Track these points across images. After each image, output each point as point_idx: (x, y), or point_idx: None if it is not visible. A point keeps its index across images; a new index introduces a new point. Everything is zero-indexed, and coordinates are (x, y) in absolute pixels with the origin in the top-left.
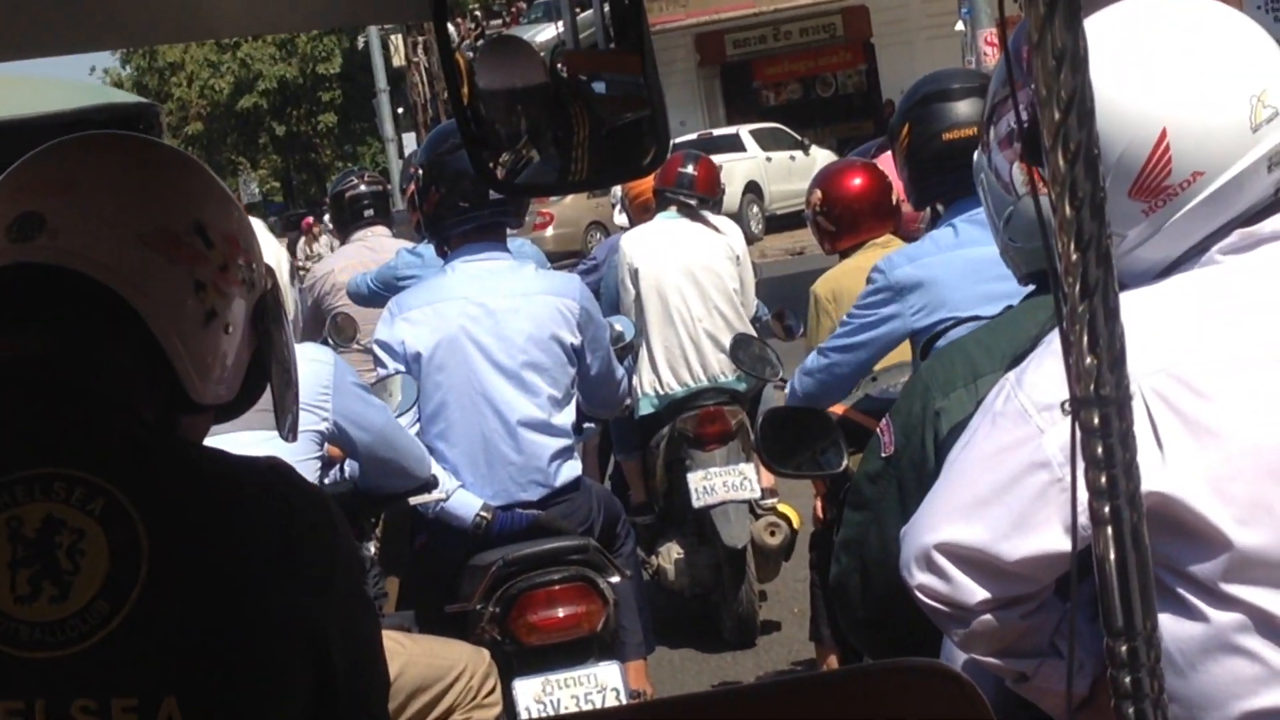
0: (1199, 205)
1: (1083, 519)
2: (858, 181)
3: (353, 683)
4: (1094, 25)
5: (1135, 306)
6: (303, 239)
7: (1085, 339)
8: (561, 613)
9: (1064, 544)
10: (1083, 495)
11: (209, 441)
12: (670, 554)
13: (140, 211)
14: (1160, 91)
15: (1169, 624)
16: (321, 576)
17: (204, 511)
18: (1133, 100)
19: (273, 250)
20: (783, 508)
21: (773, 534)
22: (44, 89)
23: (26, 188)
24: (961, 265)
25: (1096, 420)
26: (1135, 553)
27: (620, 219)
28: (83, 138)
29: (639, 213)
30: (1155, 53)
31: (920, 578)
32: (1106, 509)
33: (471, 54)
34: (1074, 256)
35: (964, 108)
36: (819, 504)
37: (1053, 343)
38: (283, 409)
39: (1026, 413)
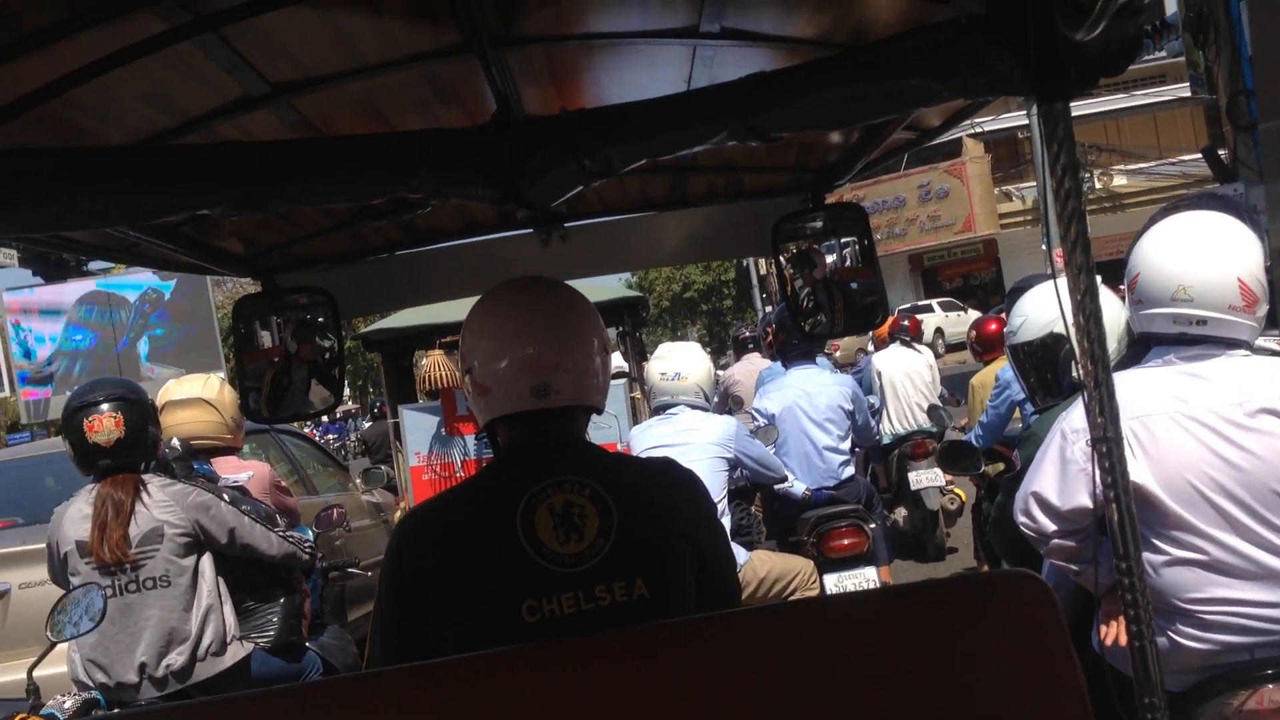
0: None
1: (1101, 495)
2: (993, 328)
3: (716, 565)
4: None
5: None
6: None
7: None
8: (846, 542)
9: (1091, 505)
10: (1101, 481)
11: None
12: (900, 514)
13: (589, 347)
14: None
15: (1146, 554)
16: (699, 513)
17: (638, 487)
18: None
19: (705, 364)
20: (956, 490)
21: (952, 503)
22: (594, 290)
23: (532, 366)
24: None
25: (1105, 450)
26: (1128, 515)
27: (870, 348)
28: (556, 329)
29: (879, 345)
30: None
31: (1022, 518)
32: (1113, 493)
33: (790, 270)
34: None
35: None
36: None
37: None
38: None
39: (1070, 440)
